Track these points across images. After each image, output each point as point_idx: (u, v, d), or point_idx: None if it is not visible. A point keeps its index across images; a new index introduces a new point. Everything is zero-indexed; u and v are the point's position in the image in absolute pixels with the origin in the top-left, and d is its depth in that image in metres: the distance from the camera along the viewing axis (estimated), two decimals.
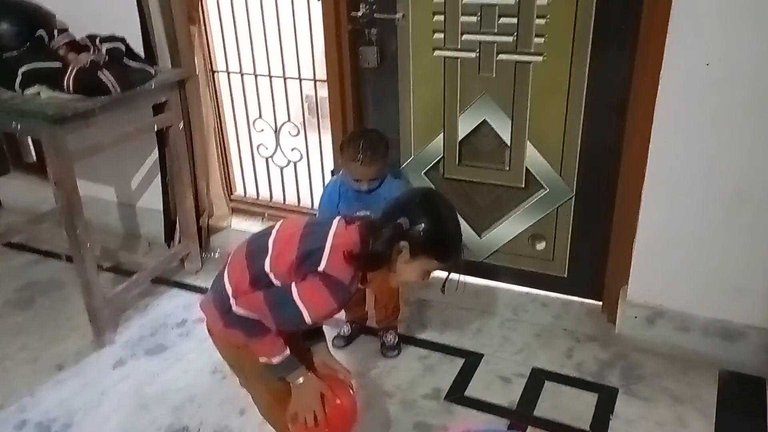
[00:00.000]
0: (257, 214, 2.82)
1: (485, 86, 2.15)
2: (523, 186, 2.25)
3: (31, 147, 3.07)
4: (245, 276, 1.42)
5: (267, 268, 1.40)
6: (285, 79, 2.60)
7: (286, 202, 2.79)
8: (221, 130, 2.74)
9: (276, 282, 1.40)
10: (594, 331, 2.25)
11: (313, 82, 2.57)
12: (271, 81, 2.60)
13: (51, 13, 2.39)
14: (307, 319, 1.37)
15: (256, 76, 2.63)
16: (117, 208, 2.96)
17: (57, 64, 2.14)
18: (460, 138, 2.27)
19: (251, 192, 2.86)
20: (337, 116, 2.40)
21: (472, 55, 2.13)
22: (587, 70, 2.00)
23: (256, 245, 1.47)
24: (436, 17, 2.13)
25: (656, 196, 1.96)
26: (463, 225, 2.35)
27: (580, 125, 2.08)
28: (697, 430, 1.84)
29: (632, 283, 2.11)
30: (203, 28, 2.52)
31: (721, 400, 1.94)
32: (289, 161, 2.70)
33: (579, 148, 2.12)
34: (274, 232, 1.47)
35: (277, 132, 2.67)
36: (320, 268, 1.35)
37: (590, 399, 1.97)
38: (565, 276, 2.32)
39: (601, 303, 2.29)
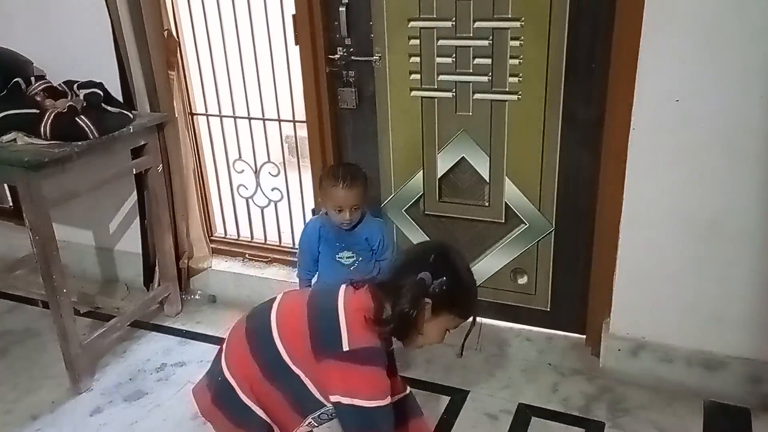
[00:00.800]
0: (238, 255, 2.80)
1: (463, 124, 2.19)
2: (503, 221, 2.27)
3: (7, 192, 3.03)
4: (252, 365, 1.31)
5: (283, 354, 1.29)
6: (264, 120, 2.61)
7: (267, 242, 2.78)
8: (201, 171, 2.74)
9: (296, 369, 1.30)
10: (579, 364, 2.25)
11: (292, 123, 2.59)
12: (250, 123, 2.62)
13: (28, 60, 2.39)
14: (381, 404, 1.26)
15: (235, 118, 2.64)
16: (95, 252, 2.92)
17: (34, 111, 2.13)
18: (439, 175, 2.29)
19: (231, 232, 2.85)
20: (317, 156, 2.41)
21: (449, 94, 2.16)
22: (561, 107, 2.05)
23: (257, 326, 1.36)
24: (413, 59, 2.17)
25: (634, 230, 1.99)
26: None
27: (556, 161, 2.12)
28: None
29: (614, 316, 2.12)
30: (182, 72, 2.54)
31: (707, 431, 1.94)
32: (269, 201, 2.70)
33: (557, 184, 2.15)
34: (274, 310, 1.36)
35: (257, 172, 2.68)
36: (345, 348, 1.25)
37: None
38: (548, 310, 2.33)
39: (584, 336, 2.29)
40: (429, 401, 2.12)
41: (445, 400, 2.13)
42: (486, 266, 2.35)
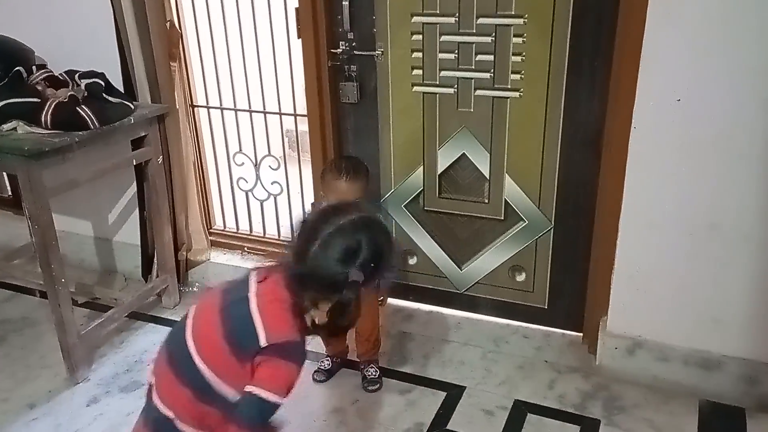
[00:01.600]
0: (236, 248, 2.80)
1: (464, 121, 2.19)
2: (503, 218, 2.27)
3: (6, 182, 3.03)
4: (183, 390, 1.24)
5: (207, 374, 1.22)
6: (265, 113, 2.61)
7: (266, 235, 2.78)
8: (201, 164, 2.74)
9: (224, 386, 1.23)
10: (575, 362, 2.25)
11: (293, 116, 2.59)
12: (251, 116, 2.62)
13: (30, 49, 2.39)
14: (280, 401, 1.23)
15: (236, 111, 2.64)
16: (93, 242, 2.92)
17: (35, 100, 2.12)
18: (439, 171, 2.29)
19: (231, 225, 2.85)
20: (317, 150, 2.41)
21: (451, 90, 2.16)
22: (563, 105, 2.05)
23: (175, 349, 1.28)
24: (415, 54, 2.17)
25: (633, 229, 2.00)
26: (444, 257, 2.40)
27: (557, 159, 2.12)
28: None
29: (612, 315, 2.12)
30: (183, 63, 2.54)
31: (702, 430, 1.94)
32: (269, 194, 2.70)
33: (556, 182, 2.15)
34: (188, 328, 1.28)
35: (257, 166, 2.68)
36: (262, 343, 1.20)
37: (573, 431, 1.97)
38: (546, 307, 2.33)
39: (581, 334, 2.30)
40: (425, 396, 2.13)
41: (442, 395, 2.13)
42: (485, 263, 2.35)
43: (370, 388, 2.16)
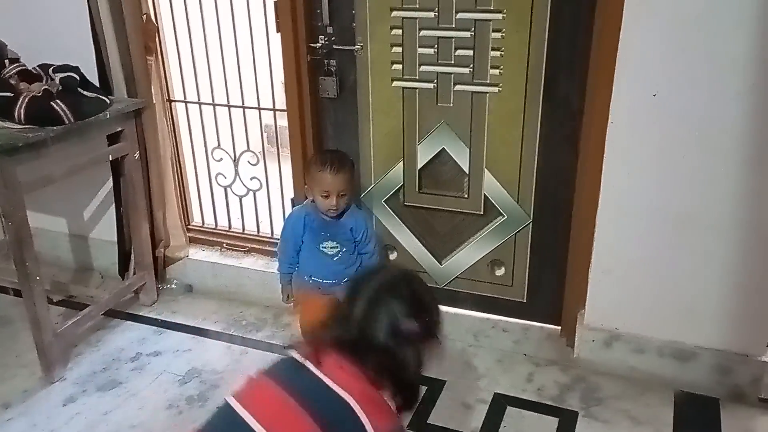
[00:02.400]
0: (215, 244, 2.78)
1: (443, 116, 2.20)
2: (482, 213, 2.29)
3: None
4: None
5: None
6: (244, 108, 2.59)
7: (245, 231, 2.76)
8: (178, 159, 2.70)
9: None
10: (554, 355, 2.28)
11: (272, 111, 2.57)
12: (229, 110, 2.59)
13: (2, 42, 2.33)
14: None
15: (214, 105, 2.62)
16: (69, 239, 2.88)
17: (8, 94, 2.08)
18: (419, 166, 2.29)
19: (209, 221, 2.82)
20: (297, 145, 2.40)
21: (430, 85, 2.17)
22: (541, 100, 2.06)
23: None
24: (395, 49, 2.17)
25: (609, 223, 2.02)
26: (424, 252, 2.40)
27: (535, 154, 2.14)
28: None
29: (589, 308, 2.15)
30: (160, 57, 2.51)
31: (677, 420, 1.98)
32: (248, 190, 2.68)
33: (535, 176, 2.17)
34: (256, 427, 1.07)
35: (236, 161, 2.66)
36: None
37: (551, 423, 1.99)
38: (525, 301, 2.35)
39: (560, 327, 2.32)
40: None
41: (422, 389, 2.14)
42: (464, 258, 2.36)
43: None
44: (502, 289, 2.37)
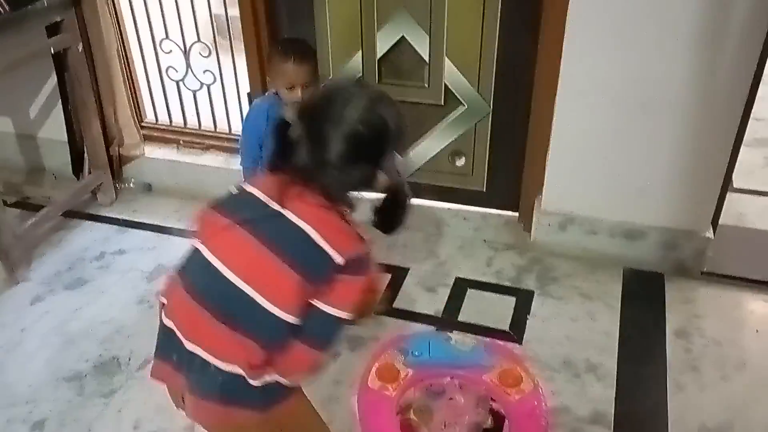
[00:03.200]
0: (171, 141, 2.71)
1: (402, 0, 2.12)
2: (443, 103, 2.28)
3: None
4: (253, 347, 1.08)
5: (270, 308, 1.06)
6: None
7: (202, 128, 2.69)
8: (125, 52, 2.57)
9: (285, 315, 1.08)
10: (511, 240, 2.37)
11: None
12: None
13: None
14: (348, 317, 1.13)
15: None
16: (16, 140, 2.77)
17: None
18: (379, 56, 2.24)
19: (163, 118, 2.74)
20: (250, 36, 2.31)
21: None
22: None
23: (217, 296, 1.09)
24: None
25: (567, 109, 2.05)
26: None
27: (495, 40, 2.11)
28: (605, 322, 2.01)
29: (546, 193, 2.22)
30: None
31: (625, 294, 2.12)
32: (201, 84, 2.59)
33: (495, 64, 2.15)
34: (226, 272, 1.08)
35: (186, 53, 2.54)
36: (339, 262, 1.07)
37: (509, 302, 2.11)
38: (484, 190, 2.41)
39: (517, 214, 2.41)
40: None
41: (387, 277, 2.22)
42: (425, 149, 2.38)
43: None
44: (462, 179, 2.41)
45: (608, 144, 2.06)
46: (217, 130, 2.67)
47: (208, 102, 2.62)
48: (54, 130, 2.62)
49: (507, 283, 2.19)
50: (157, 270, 2.26)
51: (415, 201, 2.41)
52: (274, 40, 2.29)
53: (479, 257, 2.32)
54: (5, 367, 1.90)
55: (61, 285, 2.21)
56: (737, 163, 2.06)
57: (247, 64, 2.38)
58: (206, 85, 2.58)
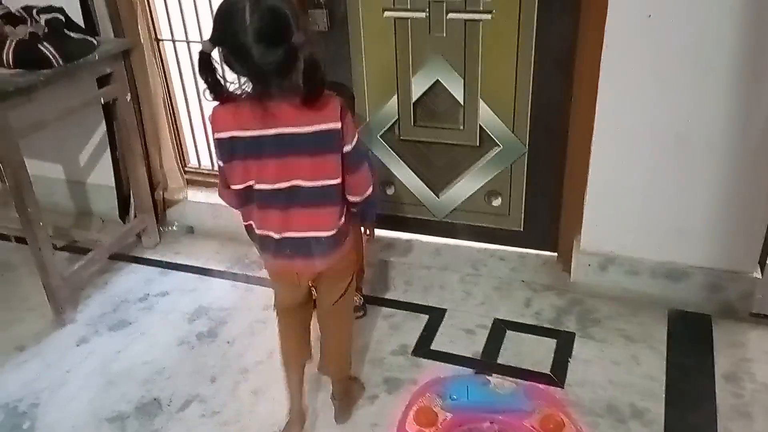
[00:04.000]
0: (212, 185, 2.78)
1: (437, 46, 2.17)
2: (478, 144, 2.30)
3: None
4: (330, 209, 1.47)
5: (336, 182, 1.45)
6: None
7: None
8: (171, 101, 2.68)
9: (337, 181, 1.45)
10: (550, 280, 2.34)
11: None
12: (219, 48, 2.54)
13: None
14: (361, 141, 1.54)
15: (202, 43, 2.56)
16: (66, 186, 2.88)
17: None
18: (414, 99, 2.29)
19: (205, 163, 2.83)
20: None
21: (423, 15, 2.13)
22: (535, 26, 2.04)
23: (286, 197, 1.44)
24: None
25: (604, 148, 2.04)
26: (422, 186, 2.43)
27: (530, 82, 2.13)
28: (650, 366, 1.95)
29: (584, 233, 2.20)
30: None
31: (671, 337, 2.06)
32: None
33: (530, 105, 2.17)
34: (274, 185, 1.43)
35: None
36: (337, 127, 1.39)
37: (549, 344, 2.06)
38: (522, 230, 2.40)
39: (556, 254, 2.38)
40: (408, 320, 2.20)
41: (424, 318, 2.21)
42: (461, 190, 2.39)
43: (355, 315, 2.22)
44: (498, 219, 2.41)
45: (647, 182, 2.04)
46: None
47: None
48: (102, 175, 2.73)
49: (547, 325, 2.15)
50: (197, 312, 2.29)
51: (451, 241, 2.44)
52: None
53: (517, 298, 2.29)
54: (48, 407, 1.94)
55: (105, 326, 2.26)
56: None
57: None
58: None
